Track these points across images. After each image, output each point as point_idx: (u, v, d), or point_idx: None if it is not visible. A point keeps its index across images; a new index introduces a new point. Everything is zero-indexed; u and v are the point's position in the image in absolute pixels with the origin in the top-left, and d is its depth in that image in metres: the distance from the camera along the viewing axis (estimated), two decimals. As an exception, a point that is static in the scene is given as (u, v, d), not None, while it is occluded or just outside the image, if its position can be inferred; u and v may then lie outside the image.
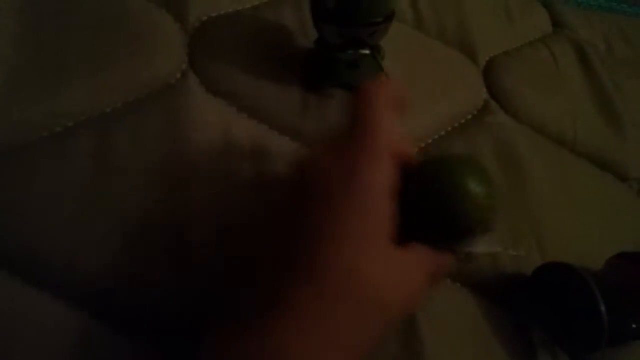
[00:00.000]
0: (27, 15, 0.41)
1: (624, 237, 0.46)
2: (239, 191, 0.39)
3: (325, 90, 0.45)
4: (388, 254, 0.27)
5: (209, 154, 0.40)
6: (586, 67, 0.59)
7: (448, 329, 0.38)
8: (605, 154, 0.52)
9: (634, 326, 0.36)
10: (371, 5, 0.38)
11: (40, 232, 0.34)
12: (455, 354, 0.37)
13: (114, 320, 0.33)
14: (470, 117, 0.50)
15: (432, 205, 0.29)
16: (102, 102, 0.40)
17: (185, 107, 0.41)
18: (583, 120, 0.54)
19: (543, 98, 0.54)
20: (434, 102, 0.49)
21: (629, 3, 0.72)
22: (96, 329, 0.33)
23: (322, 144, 0.31)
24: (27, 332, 0.31)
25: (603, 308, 0.35)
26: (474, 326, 0.39)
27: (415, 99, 0.48)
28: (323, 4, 0.39)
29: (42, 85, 0.39)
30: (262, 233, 0.33)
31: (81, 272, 0.33)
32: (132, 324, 0.33)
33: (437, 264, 0.30)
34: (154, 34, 0.44)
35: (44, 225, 0.34)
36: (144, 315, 0.34)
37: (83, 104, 0.39)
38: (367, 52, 0.42)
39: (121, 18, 0.43)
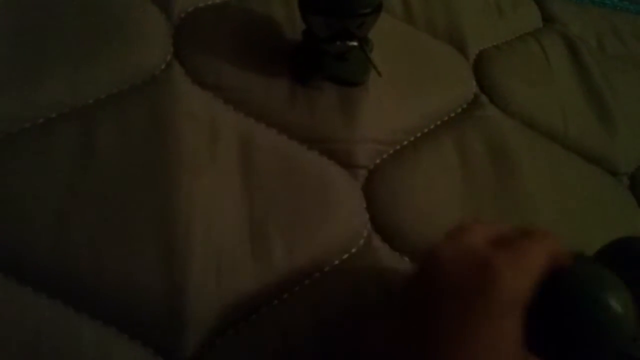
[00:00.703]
0: (9, 5, 0.40)
1: (613, 231, 0.46)
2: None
3: (313, 82, 0.45)
4: None
5: (195, 146, 0.39)
6: (576, 61, 0.59)
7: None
8: (595, 148, 0.52)
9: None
10: (359, -4, 0.38)
11: (23, 226, 0.33)
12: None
13: (98, 315, 0.32)
14: (459, 110, 0.50)
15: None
16: (85, 93, 0.39)
17: (170, 98, 0.40)
18: (573, 115, 0.53)
19: (533, 92, 0.54)
20: (423, 95, 0.49)
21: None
22: (81, 324, 0.32)
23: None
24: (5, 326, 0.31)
25: None
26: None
27: (404, 93, 0.48)
28: (310, -6, 0.39)
29: (24, 76, 0.38)
30: None
31: (64, 268, 0.33)
32: (118, 320, 0.32)
33: None
34: (138, 25, 0.43)
35: (26, 219, 0.33)
36: (130, 312, 0.33)
37: (66, 95, 0.38)
38: (355, 44, 0.42)
39: (105, 8, 0.43)
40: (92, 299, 0.33)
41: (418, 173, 0.44)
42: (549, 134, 0.51)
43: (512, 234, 0.29)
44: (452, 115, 0.49)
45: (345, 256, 0.39)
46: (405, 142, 0.46)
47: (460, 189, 0.44)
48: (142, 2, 0.44)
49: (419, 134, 0.47)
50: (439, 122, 0.48)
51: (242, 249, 0.36)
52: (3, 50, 0.38)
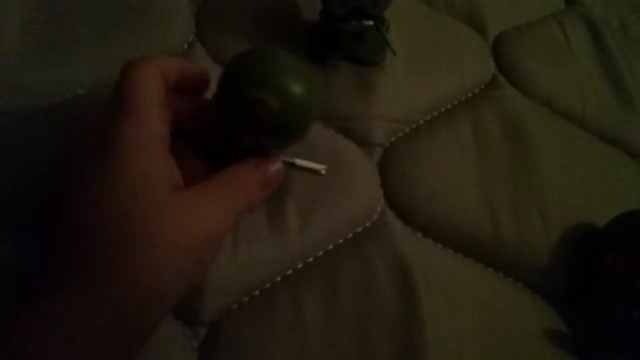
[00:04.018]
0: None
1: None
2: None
3: (330, 61, 0.46)
4: (167, 207, 0.26)
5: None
6: (598, 43, 0.58)
7: (447, 292, 0.38)
8: (614, 129, 0.52)
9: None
10: (374, -25, 0.38)
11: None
12: (454, 314, 0.38)
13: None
14: (477, 90, 0.50)
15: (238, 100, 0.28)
16: (111, 71, 0.40)
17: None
18: (592, 96, 0.53)
19: (552, 73, 0.53)
20: (440, 75, 0.49)
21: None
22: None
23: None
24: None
25: None
26: (475, 295, 0.39)
27: (421, 72, 0.48)
28: (327, -27, 0.40)
29: (53, 53, 0.40)
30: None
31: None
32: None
33: (247, 185, 0.31)
34: (162, 4, 0.45)
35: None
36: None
37: (92, 72, 0.40)
38: (371, 23, 0.43)
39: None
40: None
41: (433, 152, 0.45)
42: (567, 114, 0.51)
43: None
44: (469, 95, 0.50)
45: (359, 230, 0.40)
46: (422, 121, 0.47)
47: (475, 168, 0.45)
48: (166, -18, 0.46)
49: (435, 114, 0.47)
50: (455, 102, 0.49)
51: (259, 221, 0.38)
52: (33, 29, 0.40)
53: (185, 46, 0.44)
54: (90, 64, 0.40)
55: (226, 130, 0.31)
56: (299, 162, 0.34)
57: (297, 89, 0.28)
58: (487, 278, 0.40)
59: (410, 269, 0.38)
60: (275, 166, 0.33)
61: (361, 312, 0.36)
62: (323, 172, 0.37)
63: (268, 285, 0.36)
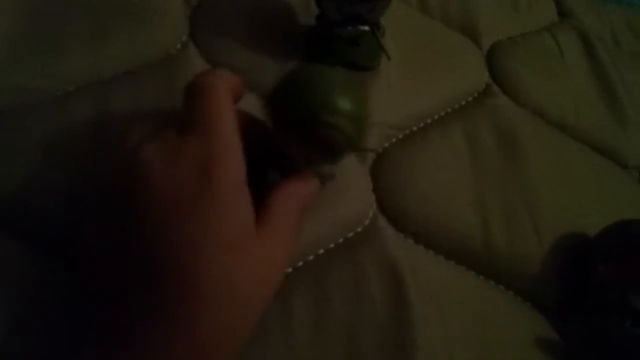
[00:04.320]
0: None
1: (621, 221, 0.46)
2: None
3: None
4: (255, 252, 0.26)
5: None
6: (591, 56, 0.59)
7: (438, 299, 0.38)
8: (606, 140, 0.52)
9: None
10: (371, -20, 0.38)
11: (33, 192, 0.34)
12: (445, 322, 0.37)
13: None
14: (470, 98, 0.50)
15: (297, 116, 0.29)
16: (103, 68, 0.40)
17: (184, 77, 0.41)
18: (585, 107, 0.53)
19: (545, 83, 0.54)
20: (434, 82, 0.49)
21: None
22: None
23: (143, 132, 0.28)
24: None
25: None
26: (467, 303, 0.39)
27: (416, 79, 0.48)
28: (323, -22, 0.39)
29: (44, 50, 0.39)
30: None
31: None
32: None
33: (300, 205, 0.30)
34: (157, 4, 0.44)
35: (36, 187, 0.34)
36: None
37: (83, 69, 0.40)
38: (367, 28, 0.43)
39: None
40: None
41: (426, 158, 0.45)
42: (560, 124, 0.52)
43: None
44: (463, 103, 0.50)
45: (351, 235, 0.39)
46: (415, 128, 0.46)
47: (468, 175, 0.45)
48: (161, -18, 0.45)
49: (428, 120, 0.47)
50: (449, 110, 0.49)
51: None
52: (24, 25, 0.40)
53: (179, 46, 0.43)
54: (84, 61, 0.40)
55: (276, 142, 0.31)
56: (324, 170, 0.34)
57: (364, 111, 0.31)
58: (479, 286, 0.40)
59: (402, 275, 0.38)
60: (315, 184, 0.33)
61: (352, 317, 0.35)
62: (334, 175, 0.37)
63: (258, 288, 0.36)
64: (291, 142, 0.30)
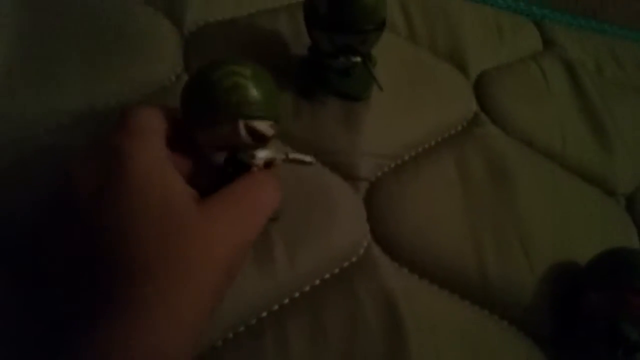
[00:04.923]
0: (26, 14, 0.42)
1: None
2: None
3: (318, 96, 0.46)
4: (196, 226, 0.26)
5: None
6: (575, 84, 0.60)
7: (433, 328, 0.38)
8: (593, 168, 0.53)
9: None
10: (362, 13, 0.39)
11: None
12: (440, 351, 0.37)
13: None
14: (460, 128, 0.51)
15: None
16: (97, 101, 0.40)
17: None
18: (571, 135, 0.54)
19: (532, 112, 0.55)
20: (424, 111, 0.50)
21: (620, 24, 0.74)
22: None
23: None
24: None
25: None
26: (462, 332, 0.39)
27: (406, 109, 0.49)
28: (315, 11, 0.40)
29: (39, 82, 0.39)
30: None
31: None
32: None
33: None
34: (151, 37, 0.44)
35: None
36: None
37: (78, 102, 0.39)
38: (359, 59, 0.43)
39: (119, 19, 0.44)
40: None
41: (418, 187, 0.45)
42: (547, 153, 0.52)
43: None
44: (453, 132, 0.51)
45: (346, 264, 0.40)
46: (407, 157, 0.47)
47: (460, 204, 0.45)
48: (155, 15, 0.46)
49: (420, 149, 0.48)
50: (439, 139, 0.49)
51: (245, 254, 0.37)
52: (19, 58, 0.40)
53: (173, 78, 0.43)
54: (78, 93, 0.40)
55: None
56: (292, 155, 0.34)
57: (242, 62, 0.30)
58: (473, 315, 0.41)
59: (397, 305, 0.38)
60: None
61: (348, 348, 0.35)
62: (312, 161, 0.36)
63: (254, 321, 0.35)
64: (198, 127, 0.30)
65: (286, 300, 0.37)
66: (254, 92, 0.29)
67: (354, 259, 0.40)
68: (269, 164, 0.32)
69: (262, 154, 0.31)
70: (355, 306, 0.37)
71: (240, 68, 0.29)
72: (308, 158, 0.36)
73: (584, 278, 0.42)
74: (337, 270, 0.39)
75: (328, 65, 0.45)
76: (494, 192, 0.47)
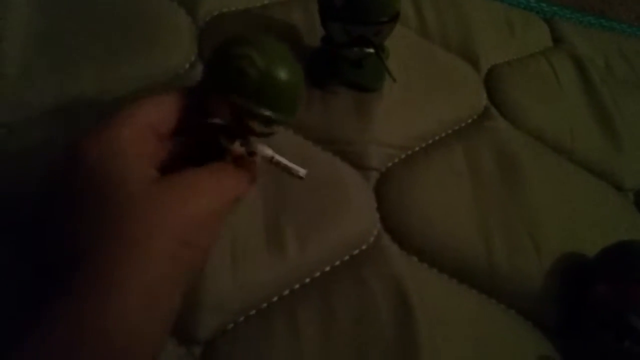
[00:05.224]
0: (43, 3, 0.42)
1: (617, 242, 0.47)
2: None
3: (330, 87, 0.47)
4: (146, 194, 0.26)
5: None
6: (585, 80, 0.60)
7: (442, 317, 0.38)
8: (601, 163, 0.53)
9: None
10: (377, 5, 0.39)
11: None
12: (450, 344, 0.38)
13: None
14: (470, 121, 0.52)
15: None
16: (112, 88, 0.41)
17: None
18: (580, 130, 0.55)
19: (542, 106, 0.55)
20: (435, 104, 0.50)
21: (629, 23, 0.74)
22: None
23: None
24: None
25: None
26: (469, 321, 0.40)
27: (417, 100, 0.50)
28: (331, 2, 0.40)
29: (56, 69, 0.40)
30: None
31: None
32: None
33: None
34: (166, 26, 0.45)
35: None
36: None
37: (92, 89, 0.40)
38: (372, 50, 0.44)
39: (135, 8, 0.45)
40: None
41: (428, 178, 0.46)
42: (556, 147, 0.53)
43: None
44: (463, 125, 0.51)
45: (356, 252, 0.40)
46: (417, 148, 0.47)
47: (469, 195, 0.45)
48: (171, 5, 0.46)
49: (430, 141, 0.48)
50: (450, 131, 0.50)
51: (257, 241, 0.38)
52: (36, 45, 0.40)
53: (187, 66, 0.44)
54: (94, 81, 0.40)
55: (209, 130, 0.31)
56: (278, 158, 0.33)
57: (281, 51, 0.29)
58: (482, 304, 0.41)
59: (407, 293, 0.38)
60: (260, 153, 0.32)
61: (358, 333, 0.36)
62: (303, 176, 0.33)
63: (265, 305, 0.36)
64: (213, 100, 0.29)
65: (297, 286, 0.37)
66: (253, 85, 0.28)
67: (363, 247, 0.40)
68: (251, 154, 0.32)
69: (255, 146, 0.31)
70: (365, 293, 0.38)
71: (258, 56, 0.27)
72: (301, 171, 0.33)
73: (592, 270, 0.42)
74: (347, 258, 0.40)
75: (341, 55, 0.45)
76: (503, 184, 0.47)
